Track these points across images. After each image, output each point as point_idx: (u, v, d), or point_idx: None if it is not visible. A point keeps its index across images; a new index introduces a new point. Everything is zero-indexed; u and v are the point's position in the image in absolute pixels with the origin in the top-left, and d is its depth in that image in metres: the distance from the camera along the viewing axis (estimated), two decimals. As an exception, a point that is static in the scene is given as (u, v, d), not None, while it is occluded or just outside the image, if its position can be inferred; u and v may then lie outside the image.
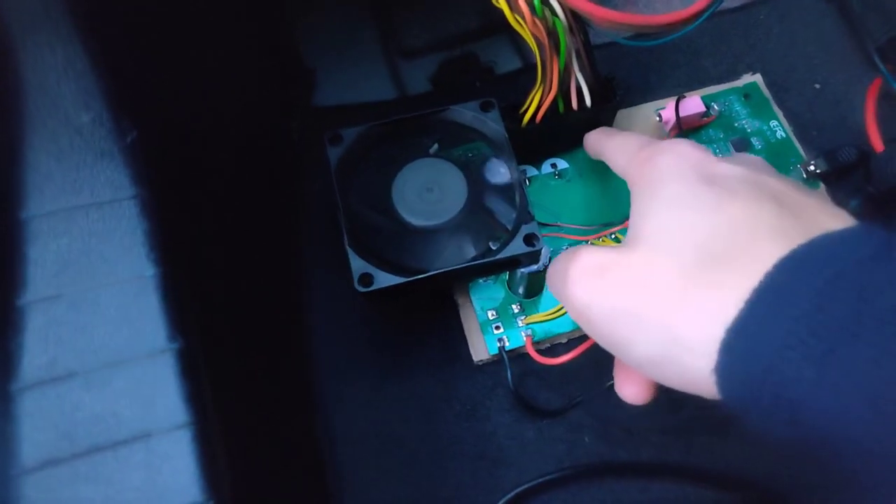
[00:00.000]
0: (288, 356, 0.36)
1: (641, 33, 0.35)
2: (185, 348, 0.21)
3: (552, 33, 0.35)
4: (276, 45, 0.46)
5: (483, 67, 0.50)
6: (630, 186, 0.28)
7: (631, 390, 0.27)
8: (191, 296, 0.22)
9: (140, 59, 0.26)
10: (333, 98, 0.47)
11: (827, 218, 0.22)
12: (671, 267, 0.22)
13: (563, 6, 0.34)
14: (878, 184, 0.39)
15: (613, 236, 0.40)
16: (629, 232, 0.26)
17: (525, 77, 0.42)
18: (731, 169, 0.25)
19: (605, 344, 0.25)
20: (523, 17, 0.34)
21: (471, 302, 0.40)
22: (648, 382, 0.27)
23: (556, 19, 0.35)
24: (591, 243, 0.40)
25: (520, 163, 0.43)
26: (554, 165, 0.43)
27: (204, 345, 0.22)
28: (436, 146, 0.39)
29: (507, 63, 0.50)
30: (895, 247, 0.19)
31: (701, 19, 0.35)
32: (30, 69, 0.22)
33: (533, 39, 0.35)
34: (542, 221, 0.41)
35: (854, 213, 0.39)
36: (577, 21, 0.36)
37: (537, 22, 0.34)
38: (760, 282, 0.20)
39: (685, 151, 0.26)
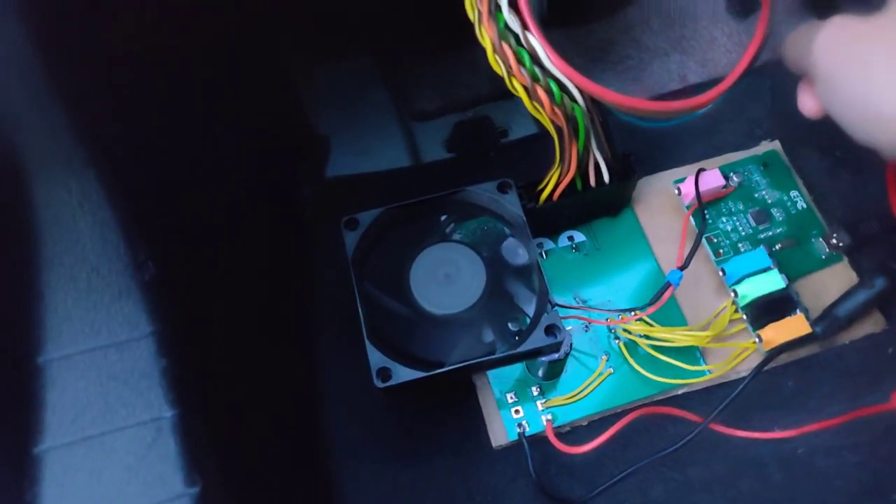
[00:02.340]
0: (307, 445, 0.36)
1: (663, 118, 0.35)
2: (203, 491, 0.20)
3: (571, 119, 0.35)
4: (288, 116, 0.46)
5: (497, 131, 0.50)
6: None
7: (811, 104, 0.32)
8: (208, 432, 0.22)
9: (152, 177, 0.25)
10: (347, 167, 0.46)
11: None
12: None
13: (582, 93, 0.34)
14: (903, 262, 0.38)
15: (634, 321, 0.39)
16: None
17: (540, 143, 0.41)
18: None
19: (823, 90, 0.29)
20: (542, 106, 0.33)
21: (489, 384, 0.39)
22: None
23: (576, 106, 0.34)
24: (611, 328, 0.39)
25: (536, 235, 0.43)
26: (571, 238, 0.42)
27: (224, 478, 0.21)
28: (452, 226, 0.38)
29: (522, 128, 0.49)
30: None
31: (716, 102, 0.35)
32: (44, 204, 0.21)
33: (552, 125, 0.35)
34: (559, 302, 0.40)
35: (881, 294, 0.39)
36: (596, 103, 0.35)
37: (556, 110, 0.34)
38: None
39: None
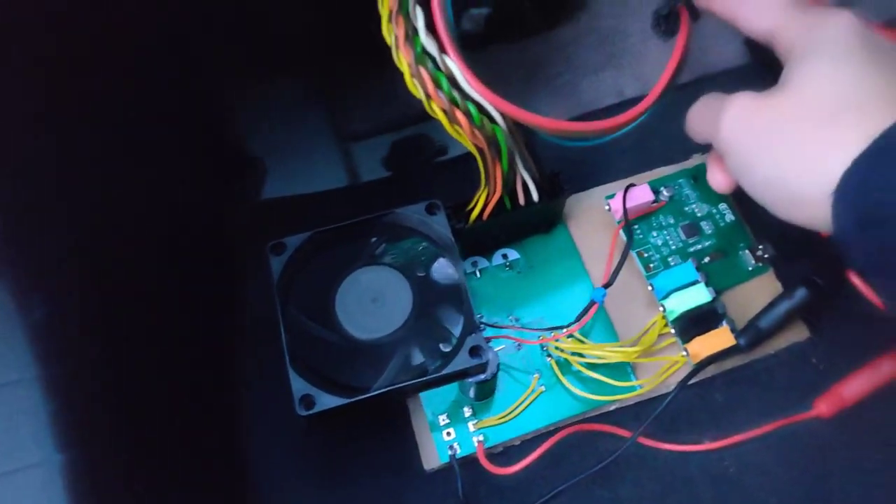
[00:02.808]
0: (228, 473, 0.35)
1: (582, 138, 0.35)
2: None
3: (492, 140, 0.35)
4: (220, 139, 0.45)
5: (435, 149, 0.50)
6: (780, 44, 0.30)
7: (721, 179, 0.34)
8: (105, 477, 0.21)
9: (54, 213, 0.25)
10: (283, 189, 0.46)
11: None
12: (812, 108, 0.27)
13: (503, 114, 0.34)
14: (823, 274, 0.39)
15: (565, 338, 0.39)
16: (781, 78, 0.29)
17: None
18: (887, 43, 0.28)
19: (734, 167, 0.31)
20: (462, 128, 0.33)
21: (421, 405, 0.39)
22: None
23: (496, 127, 0.34)
24: (544, 346, 0.39)
25: (470, 254, 0.43)
26: (505, 256, 0.42)
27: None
28: (383, 247, 0.38)
29: (460, 145, 0.49)
30: None
31: (637, 122, 0.36)
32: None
33: (474, 147, 0.35)
34: (492, 321, 0.40)
35: (803, 304, 0.40)
36: (518, 124, 0.36)
37: (476, 132, 0.34)
38: (893, 125, 0.24)
39: (851, 20, 0.28)
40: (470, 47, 0.52)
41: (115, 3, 0.34)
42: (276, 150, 0.47)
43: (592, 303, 0.37)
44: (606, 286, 0.38)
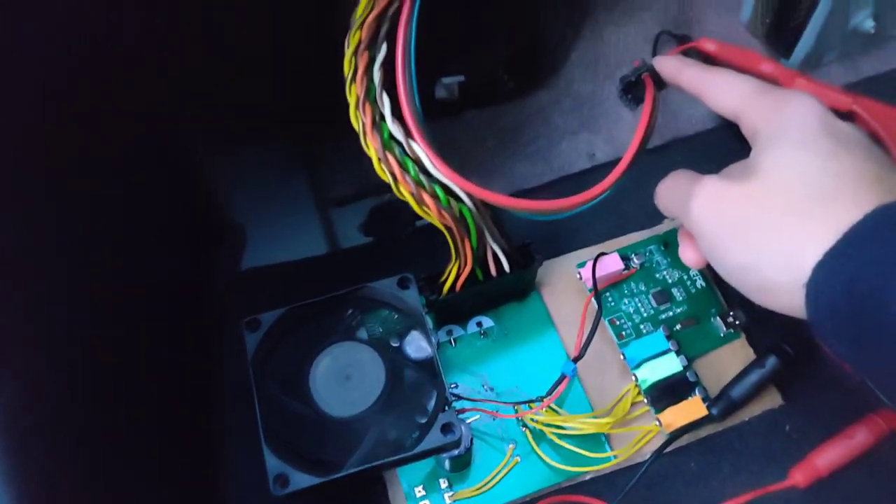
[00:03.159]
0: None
1: (551, 215, 0.36)
2: None
3: (460, 219, 0.35)
4: (201, 207, 0.46)
5: (413, 213, 0.50)
6: (745, 125, 0.31)
7: (692, 256, 0.33)
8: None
9: (23, 296, 0.25)
10: (263, 258, 0.47)
11: None
12: (782, 197, 0.27)
13: (469, 195, 0.35)
14: (794, 340, 0.39)
15: (540, 412, 0.39)
16: (749, 162, 0.30)
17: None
18: (847, 127, 0.29)
19: (706, 249, 0.31)
20: (430, 210, 0.34)
21: (397, 477, 0.39)
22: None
23: (463, 206, 0.35)
24: (520, 420, 0.39)
25: (445, 322, 0.43)
26: (480, 324, 0.43)
27: None
28: (358, 319, 0.39)
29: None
30: None
31: (604, 195, 0.36)
32: None
33: (442, 226, 0.36)
34: (466, 393, 0.40)
35: (774, 373, 0.40)
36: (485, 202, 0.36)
37: (444, 213, 0.34)
38: (861, 219, 0.25)
39: (813, 106, 0.29)
40: (444, 114, 0.54)
41: (92, 73, 0.35)
42: (257, 218, 0.48)
43: (563, 377, 0.37)
44: (576, 360, 0.38)
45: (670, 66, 0.35)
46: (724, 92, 0.33)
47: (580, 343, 0.39)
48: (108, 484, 0.29)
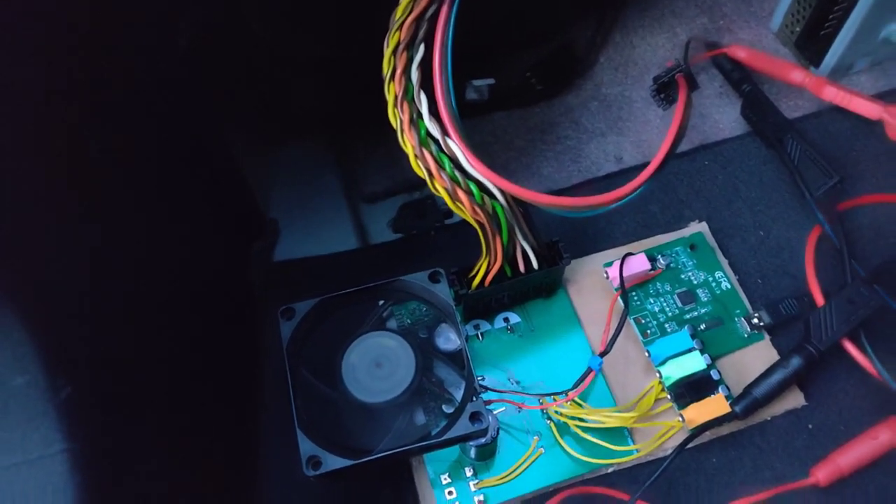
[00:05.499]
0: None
1: (581, 212, 0.37)
2: None
3: (493, 216, 0.37)
4: (238, 201, 0.48)
5: (441, 212, 0.52)
6: None
7: None
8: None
9: (79, 293, 0.27)
10: (296, 251, 0.48)
11: None
12: None
13: (502, 191, 0.36)
14: (817, 342, 0.40)
15: (564, 404, 0.40)
16: None
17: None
18: None
19: None
20: (464, 206, 0.35)
21: (424, 464, 0.40)
22: None
23: (496, 203, 0.36)
24: (545, 413, 0.41)
25: (473, 317, 0.44)
26: (507, 320, 0.44)
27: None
28: (389, 310, 0.40)
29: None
30: None
31: (635, 194, 0.37)
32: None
33: (475, 222, 0.37)
34: (493, 385, 0.41)
35: (797, 372, 0.40)
36: (517, 199, 0.37)
37: (477, 209, 0.36)
38: None
39: None
40: (473, 115, 0.55)
41: (138, 69, 0.37)
42: (291, 212, 0.50)
43: (590, 370, 0.38)
44: (603, 354, 0.39)
45: None
46: None
47: (606, 339, 0.40)
48: (159, 463, 0.30)
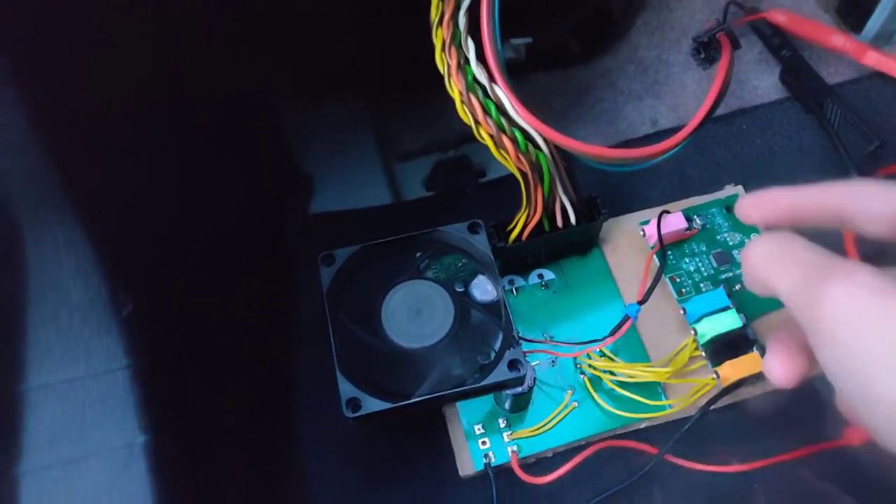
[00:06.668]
0: (279, 470, 0.37)
1: (623, 164, 0.37)
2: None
3: (536, 165, 0.37)
4: (275, 155, 0.48)
5: (475, 171, 0.52)
6: None
7: (784, 370, 0.27)
8: (180, 457, 0.23)
9: (136, 221, 0.27)
10: (330, 204, 0.49)
11: None
12: None
13: (546, 141, 0.36)
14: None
15: (599, 352, 0.40)
16: None
17: (515, 184, 0.43)
18: None
19: (833, 361, 0.22)
20: (508, 153, 0.36)
21: (458, 414, 0.40)
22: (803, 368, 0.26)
23: (540, 153, 0.36)
24: (577, 360, 0.41)
25: (508, 272, 0.44)
26: (541, 276, 0.44)
27: (193, 500, 0.23)
28: (426, 262, 0.40)
29: (499, 168, 0.51)
30: None
31: (676, 149, 0.37)
32: (33, 247, 0.23)
33: (518, 171, 0.37)
34: (528, 337, 0.41)
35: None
36: (560, 150, 0.37)
37: (521, 157, 0.36)
38: None
39: None
40: (513, 75, 0.55)
41: (181, 33, 0.37)
42: (326, 168, 0.50)
43: (626, 318, 0.38)
44: (641, 303, 0.39)
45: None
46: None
47: (643, 291, 0.40)
48: (209, 389, 0.31)
